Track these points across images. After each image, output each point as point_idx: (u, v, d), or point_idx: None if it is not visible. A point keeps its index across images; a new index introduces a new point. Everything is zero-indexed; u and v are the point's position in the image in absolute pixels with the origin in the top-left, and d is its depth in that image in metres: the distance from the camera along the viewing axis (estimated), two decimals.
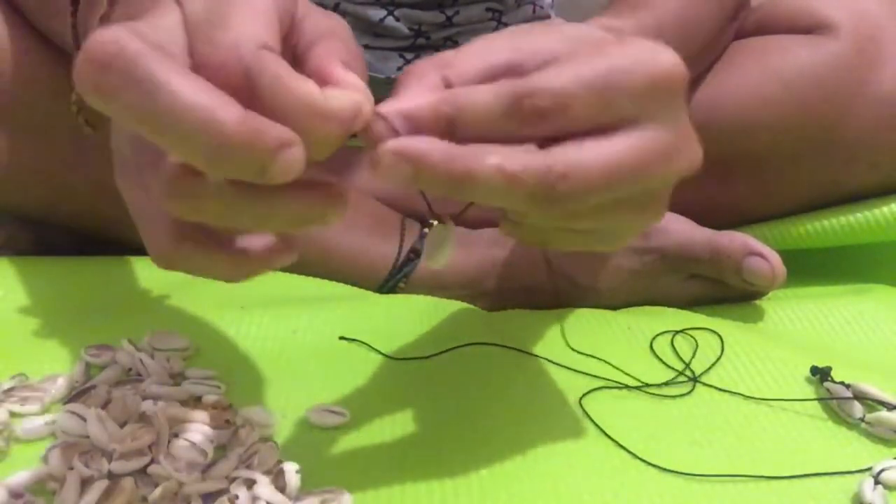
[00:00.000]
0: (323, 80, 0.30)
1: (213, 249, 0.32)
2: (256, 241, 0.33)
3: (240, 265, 0.33)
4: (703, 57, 0.60)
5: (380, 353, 0.50)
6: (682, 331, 0.53)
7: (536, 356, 0.50)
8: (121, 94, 0.27)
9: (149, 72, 0.26)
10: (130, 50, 0.26)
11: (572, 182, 0.30)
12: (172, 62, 0.27)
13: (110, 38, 0.27)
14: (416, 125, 0.30)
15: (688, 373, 0.49)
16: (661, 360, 0.51)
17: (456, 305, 0.57)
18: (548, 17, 0.73)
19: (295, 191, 0.29)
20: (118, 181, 0.34)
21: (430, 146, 0.30)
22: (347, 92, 0.30)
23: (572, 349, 0.51)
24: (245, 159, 0.27)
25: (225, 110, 0.27)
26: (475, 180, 0.30)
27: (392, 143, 0.30)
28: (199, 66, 0.29)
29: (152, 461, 0.39)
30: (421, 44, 0.66)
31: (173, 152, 0.29)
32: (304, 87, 0.28)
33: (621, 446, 0.43)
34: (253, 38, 0.29)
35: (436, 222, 0.37)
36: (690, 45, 0.52)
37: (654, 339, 0.52)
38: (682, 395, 0.47)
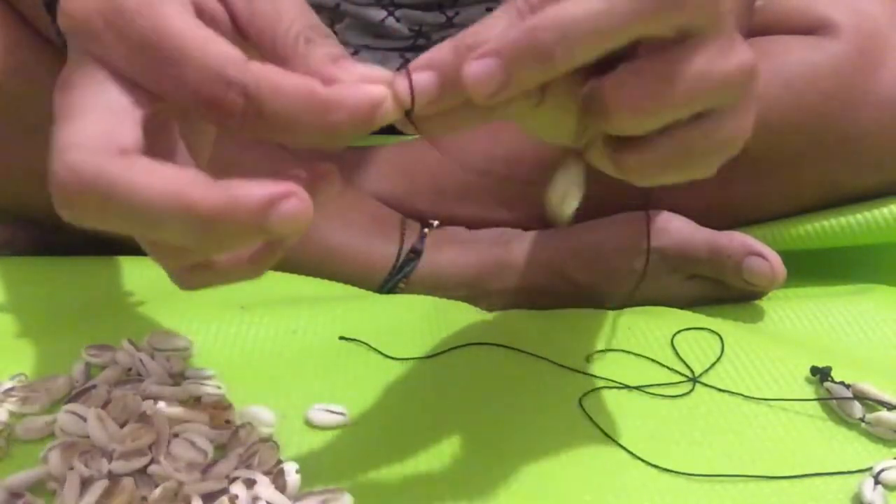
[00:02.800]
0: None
1: (226, 266, 0.33)
2: None
3: (257, 263, 0.33)
4: None
5: (380, 353, 0.50)
6: (682, 331, 0.53)
7: (536, 356, 0.50)
8: (95, 216, 0.28)
9: (109, 189, 0.27)
10: (88, 174, 0.27)
11: None
12: (127, 162, 0.28)
13: (68, 168, 0.28)
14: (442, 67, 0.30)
15: (688, 373, 0.49)
16: (661, 359, 0.51)
17: (456, 305, 0.57)
18: None
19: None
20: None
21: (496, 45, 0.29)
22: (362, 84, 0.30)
23: (572, 349, 0.51)
24: (235, 230, 0.27)
25: (192, 188, 0.27)
26: (563, 31, 0.29)
27: (472, 62, 0.29)
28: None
29: (152, 461, 0.39)
30: (421, 44, 0.66)
31: (166, 242, 0.30)
32: (300, 80, 0.28)
33: (621, 446, 0.43)
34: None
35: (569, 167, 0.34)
36: None
37: (654, 339, 0.52)
38: (682, 395, 0.47)
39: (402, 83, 0.30)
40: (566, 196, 0.34)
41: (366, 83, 0.30)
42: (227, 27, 0.31)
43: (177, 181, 0.27)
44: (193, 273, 0.33)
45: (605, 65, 0.31)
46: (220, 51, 0.29)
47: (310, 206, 0.28)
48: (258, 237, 0.28)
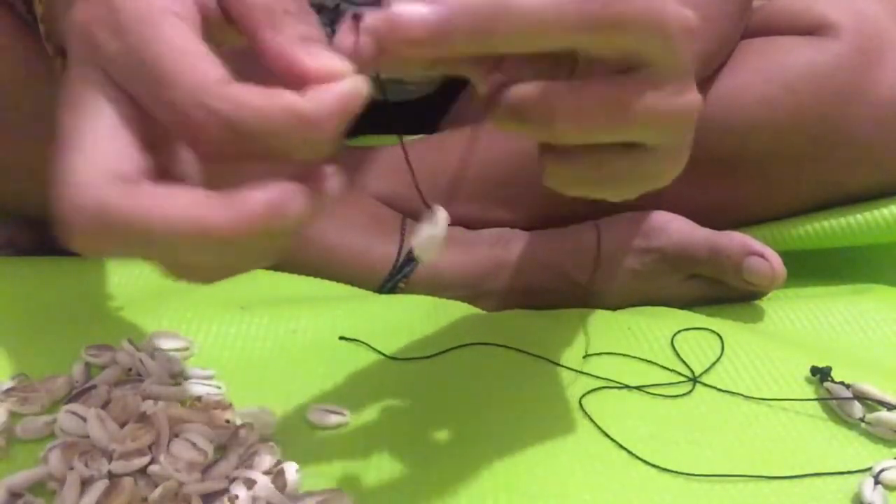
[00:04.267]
0: (291, 73, 0.29)
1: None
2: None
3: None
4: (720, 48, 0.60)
5: (380, 353, 0.50)
6: (681, 331, 0.53)
7: (536, 356, 0.50)
8: (110, 248, 0.29)
9: (120, 220, 0.27)
10: (94, 211, 0.27)
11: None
12: (132, 192, 0.28)
13: (74, 208, 0.28)
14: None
15: (688, 373, 0.49)
16: (661, 360, 0.51)
17: (456, 305, 0.57)
18: None
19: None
20: None
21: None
22: (330, 85, 0.29)
23: (573, 349, 0.51)
24: (251, 240, 0.27)
25: (202, 211, 0.27)
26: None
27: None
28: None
29: (152, 461, 0.39)
30: None
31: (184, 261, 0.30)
32: (281, 101, 0.28)
33: (621, 446, 0.43)
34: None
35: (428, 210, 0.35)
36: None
37: (654, 339, 0.52)
38: (682, 395, 0.47)
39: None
40: (427, 248, 0.34)
41: (334, 80, 0.29)
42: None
43: (185, 207, 0.27)
44: (194, 273, 0.33)
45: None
46: (195, 71, 0.28)
47: (310, 199, 0.28)
48: (269, 242, 0.28)
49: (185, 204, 0.27)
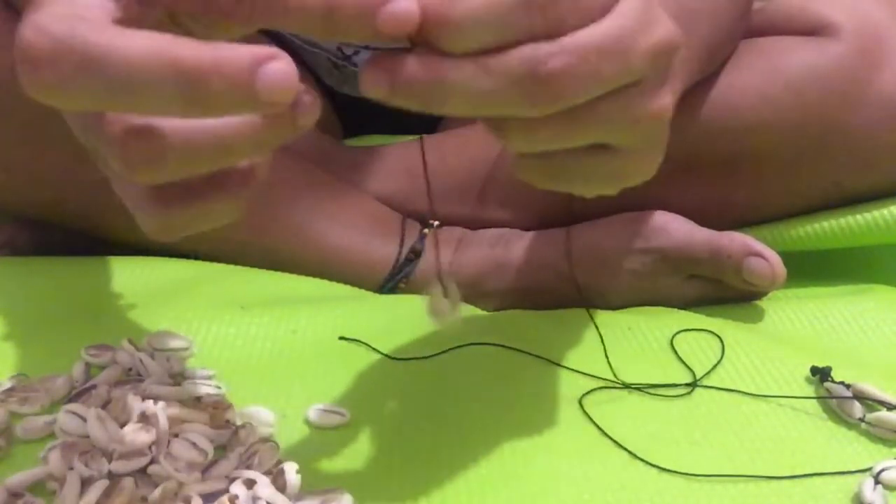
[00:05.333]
0: None
1: (203, 198, 0.31)
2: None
3: (236, 196, 0.32)
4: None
5: (380, 353, 0.50)
6: (682, 331, 0.53)
7: (536, 356, 0.50)
8: (67, 84, 0.26)
9: (86, 48, 0.25)
10: (61, 33, 0.26)
11: (558, 60, 0.29)
12: (103, 25, 0.26)
13: (38, 28, 0.26)
14: None
15: (687, 373, 0.49)
16: (661, 360, 0.51)
17: None
18: None
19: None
20: (105, 173, 0.33)
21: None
22: None
23: (572, 349, 0.51)
24: (224, 89, 0.26)
25: (177, 45, 0.26)
26: (454, 79, 0.29)
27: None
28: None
29: (152, 461, 0.39)
30: None
31: (146, 113, 0.28)
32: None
33: (621, 446, 0.43)
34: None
35: (438, 289, 0.36)
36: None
37: (654, 339, 0.52)
38: (682, 396, 0.47)
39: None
40: (440, 313, 0.36)
41: None
42: None
43: (159, 39, 0.26)
44: (171, 209, 0.31)
45: None
46: None
47: (295, 71, 0.26)
48: (246, 104, 0.26)
49: (158, 37, 0.26)
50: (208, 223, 0.32)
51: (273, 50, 0.26)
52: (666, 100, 0.34)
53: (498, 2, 0.29)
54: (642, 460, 0.42)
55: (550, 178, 0.35)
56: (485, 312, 0.57)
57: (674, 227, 0.58)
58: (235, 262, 0.60)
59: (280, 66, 0.26)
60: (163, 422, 0.40)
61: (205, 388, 0.44)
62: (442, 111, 0.30)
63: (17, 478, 0.38)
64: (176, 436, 0.40)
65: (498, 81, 0.29)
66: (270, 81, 0.26)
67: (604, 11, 0.31)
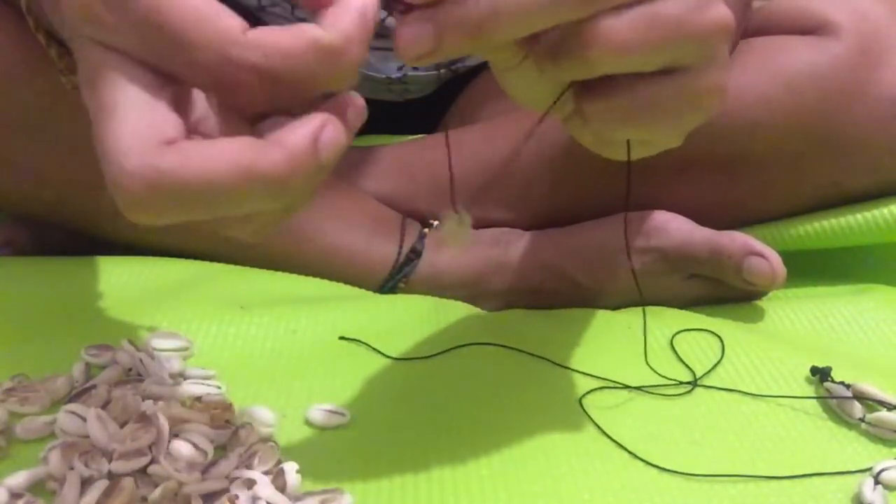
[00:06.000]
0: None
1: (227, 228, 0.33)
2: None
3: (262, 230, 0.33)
4: None
5: (380, 353, 0.50)
6: (682, 331, 0.53)
7: (536, 356, 0.50)
8: (170, 213, 0.28)
9: (177, 185, 0.27)
10: (152, 175, 0.27)
11: None
12: (181, 151, 0.28)
13: (131, 176, 0.27)
14: None
15: (687, 373, 0.49)
16: (661, 359, 0.51)
17: (456, 305, 0.57)
18: None
19: None
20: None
21: None
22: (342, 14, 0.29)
23: (572, 349, 0.51)
24: (302, 180, 0.28)
25: (252, 156, 0.27)
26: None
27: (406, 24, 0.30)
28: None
29: (152, 461, 0.39)
30: None
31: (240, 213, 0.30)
32: (304, 37, 0.28)
33: (621, 446, 0.43)
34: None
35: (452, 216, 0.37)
36: None
37: (654, 339, 0.52)
38: (681, 395, 0.47)
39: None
40: (456, 233, 0.37)
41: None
42: None
43: (238, 155, 0.27)
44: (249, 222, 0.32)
45: None
46: (217, 29, 0.28)
47: (342, 127, 0.28)
48: (316, 177, 0.28)
49: (233, 153, 0.27)
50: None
51: (321, 117, 0.28)
52: (725, 8, 0.34)
53: None
54: (642, 460, 0.42)
55: (623, 120, 0.34)
56: (485, 312, 0.57)
57: (674, 227, 0.58)
58: (235, 262, 0.60)
59: (332, 133, 0.28)
60: (163, 422, 0.40)
61: (205, 388, 0.44)
62: (493, 41, 0.30)
63: (17, 478, 0.38)
64: (176, 436, 0.40)
65: None
66: (329, 151, 0.28)
67: None
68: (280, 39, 0.28)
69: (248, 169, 0.27)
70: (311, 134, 0.28)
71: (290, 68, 0.28)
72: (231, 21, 0.28)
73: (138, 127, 0.28)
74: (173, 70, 0.29)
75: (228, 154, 0.27)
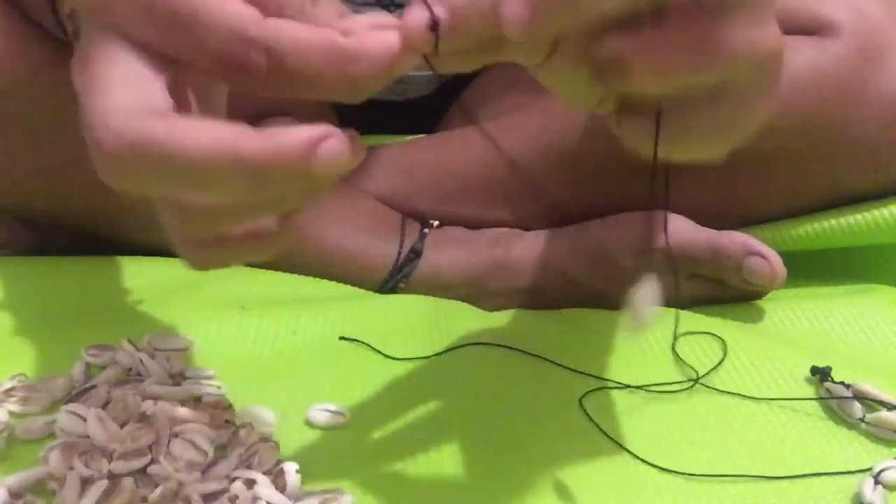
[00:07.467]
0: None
1: (238, 247, 0.33)
2: None
3: (272, 237, 0.33)
4: None
5: (380, 353, 0.50)
6: (683, 334, 0.53)
7: (536, 356, 0.50)
8: (144, 179, 0.28)
9: (160, 150, 0.27)
10: (136, 136, 0.27)
11: None
12: (170, 122, 0.28)
13: (114, 133, 0.27)
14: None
15: (688, 373, 0.49)
16: (661, 359, 0.51)
17: (456, 305, 0.57)
18: None
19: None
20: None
21: None
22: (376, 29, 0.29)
23: (572, 349, 0.51)
24: (282, 175, 0.27)
25: (238, 138, 0.27)
26: None
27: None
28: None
29: (152, 461, 0.39)
30: None
31: (211, 197, 0.30)
32: (322, 35, 0.28)
33: (621, 446, 0.43)
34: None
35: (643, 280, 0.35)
36: None
37: (654, 339, 0.52)
38: (682, 395, 0.47)
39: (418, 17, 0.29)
40: (642, 313, 0.34)
41: (379, 30, 0.29)
42: None
43: (223, 134, 0.27)
44: (209, 250, 0.33)
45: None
46: (235, 9, 0.28)
47: (347, 146, 0.28)
48: (303, 181, 0.28)
49: (220, 131, 0.27)
50: (243, 261, 0.33)
51: (325, 129, 0.28)
52: (777, 31, 0.33)
53: None
54: (642, 460, 0.42)
55: (674, 136, 0.33)
56: (485, 312, 0.57)
57: (674, 227, 0.58)
58: None
59: (334, 145, 0.27)
60: (163, 422, 0.40)
61: (205, 388, 0.44)
62: (550, 27, 0.29)
63: (17, 478, 0.38)
64: (176, 436, 0.40)
65: None
66: (327, 160, 0.27)
67: None
68: (298, 30, 0.28)
69: (230, 148, 0.27)
70: (308, 137, 0.27)
71: (299, 58, 0.28)
72: (243, 5, 0.29)
73: (128, 96, 0.28)
74: (183, 52, 0.29)
75: (214, 131, 0.27)
